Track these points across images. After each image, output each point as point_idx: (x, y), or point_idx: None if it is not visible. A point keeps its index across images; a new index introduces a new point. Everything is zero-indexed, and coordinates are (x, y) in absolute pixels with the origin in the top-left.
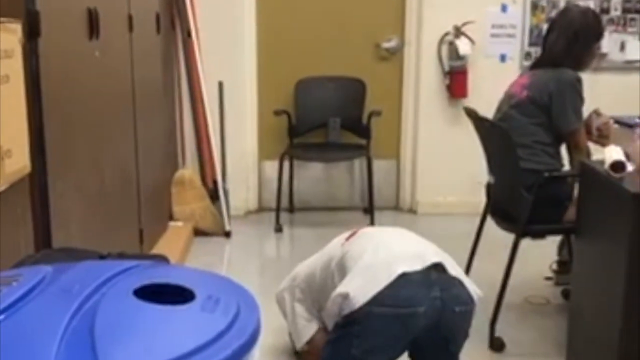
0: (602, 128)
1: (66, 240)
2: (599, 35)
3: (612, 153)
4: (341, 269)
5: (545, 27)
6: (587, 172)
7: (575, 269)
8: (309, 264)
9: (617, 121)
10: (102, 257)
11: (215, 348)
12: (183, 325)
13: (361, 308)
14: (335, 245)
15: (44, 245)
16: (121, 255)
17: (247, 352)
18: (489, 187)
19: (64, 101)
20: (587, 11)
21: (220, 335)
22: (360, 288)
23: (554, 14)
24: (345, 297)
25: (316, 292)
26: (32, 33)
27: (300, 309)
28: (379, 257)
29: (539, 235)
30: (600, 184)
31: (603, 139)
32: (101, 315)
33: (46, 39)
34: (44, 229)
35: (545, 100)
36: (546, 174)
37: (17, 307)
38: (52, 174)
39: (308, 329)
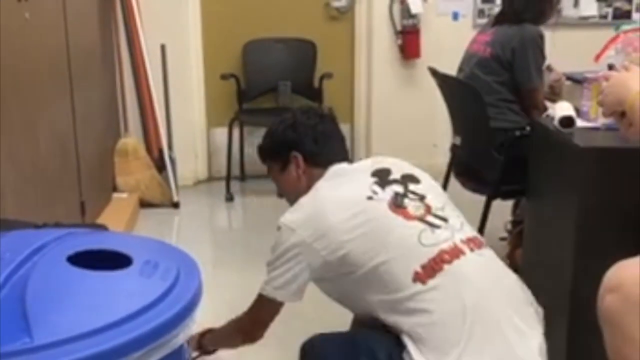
0: (554, 85)
1: (4, 212)
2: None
3: (562, 109)
4: (416, 327)
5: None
6: (537, 128)
7: (527, 226)
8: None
9: (569, 77)
10: (37, 227)
11: (154, 312)
12: (120, 290)
13: None
14: (396, 258)
15: None
16: (57, 225)
17: (187, 316)
18: (454, 148)
19: None
20: None
21: (159, 300)
22: None
23: None
24: None
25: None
26: None
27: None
28: None
29: (509, 196)
30: (550, 139)
31: (554, 96)
32: (33, 283)
33: None
34: None
35: (508, 56)
36: (517, 133)
37: None
38: None
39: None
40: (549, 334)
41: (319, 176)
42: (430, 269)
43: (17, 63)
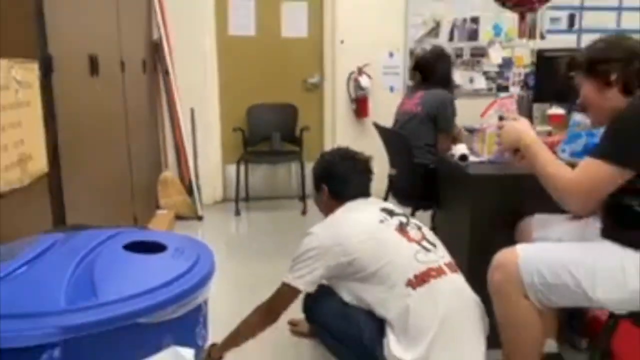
0: (456, 134)
1: (78, 221)
2: (449, 63)
3: (460, 149)
4: (398, 323)
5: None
6: (443, 162)
7: (439, 225)
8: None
9: (466, 129)
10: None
11: (181, 282)
12: (157, 267)
13: None
14: (394, 264)
15: (59, 224)
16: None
17: (204, 284)
18: (391, 177)
19: (73, 121)
20: (437, 50)
21: (184, 273)
22: None
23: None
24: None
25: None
26: (47, 71)
27: (320, 271)
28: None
29: (428, 207)
30: (452, 169)
31: (455, 141)
32: (99, 263)
33: (58, 75)
34: (60, 214)
35: (434, 112)
36: (432, 166)
37: (36, 261)
38: (65, 174)
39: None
40: None
41: (337, 206)
42: (420, 280)
43: (91, 120)
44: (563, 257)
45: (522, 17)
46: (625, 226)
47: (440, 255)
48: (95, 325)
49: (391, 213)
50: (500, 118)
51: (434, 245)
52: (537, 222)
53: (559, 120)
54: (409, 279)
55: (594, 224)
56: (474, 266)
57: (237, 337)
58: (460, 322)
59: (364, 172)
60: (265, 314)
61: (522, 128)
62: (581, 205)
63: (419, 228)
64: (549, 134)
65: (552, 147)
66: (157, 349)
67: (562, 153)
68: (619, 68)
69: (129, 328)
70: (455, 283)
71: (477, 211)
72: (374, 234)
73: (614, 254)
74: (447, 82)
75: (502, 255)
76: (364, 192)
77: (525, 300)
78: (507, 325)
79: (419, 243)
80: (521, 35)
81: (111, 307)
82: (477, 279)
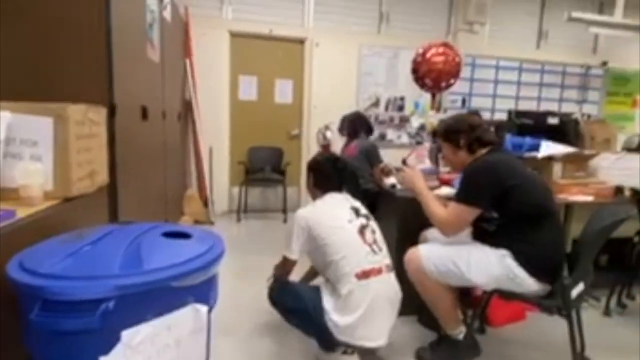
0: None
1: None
2: (368, 124)
3: (391, 180)
4: (343, 299)
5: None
6: (380, 188)
7: None
8: (325, 235)
9: (395, 167)
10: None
11: (202, 258)
12: (186, 248)
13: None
14: (349, 259)
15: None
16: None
17: (218, 260)
18: None
19: (127, 149)
20: (356, 113)
21: (204, 253)
22: (343, 333)
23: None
24: (335, 325)
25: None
26: (112, 113)
27: (299, 237)
28: (362, 326)
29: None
30: (386, 193)
31: (387, 174)
32: (144, 244)
33: (119, 117)
34: (114, 213)
35: (365, 154)
36: (372, 191)
37: (98, 242)
38: (120, 185)
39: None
40: None
41: (319, 194)
42: (364, 275)
43: (140, 149)
44: (449, 253)
45: (433, 96)
46: (484, 238)
47: (383, 257)
48: (140, 285)
49: (357, 212)
50: (403, 162)
51: (380, 249)
52: (432, 232)
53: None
54: (357, 273)
55: (467, 232)
56: (399, 257)
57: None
58: (381, 306)
59: (339, 173)
60: (283, 273)
61: (415, 179)
62: (452, 233)
63: (373, 232)
64: (448, 172)
65: (450, 181)
66: (183, 305)
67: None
68: (464, 136)
69: (163, 289)
70: (386, 281)
71: (400, 220)
72: (341, 229)
73: (481, 249)
74: (367, 132)
75: (411, 253)
76: (337, 187)
77: (431, 281)
78: (427, 298)
79: (370, 246)
80: (433, 107)
81: (152, 274)
82: (401, 270)
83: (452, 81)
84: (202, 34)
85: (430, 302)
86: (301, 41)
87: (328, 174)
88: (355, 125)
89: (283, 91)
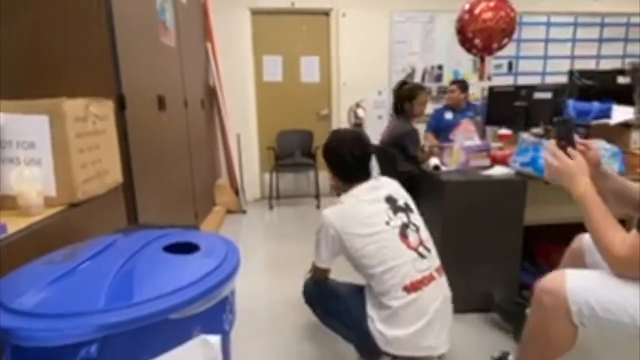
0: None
1: (148, 219)
2: (410, 98)
3: (433, 161)
4: (392, 313)
5: None
6: (421, 171)
7: None
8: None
9: (437, 146)
10: (160, 227)
11: (209, 278)
12: (190, 266)
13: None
14: (395, 271)
15: (133, 223)
16: (172, 226)
17: (229, 279)
18: None
19: (143, 143)
20: (397, 86)
21: (212, 270)
22: (391, 345)
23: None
24: (381, 335)
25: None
26: (121, 106)
27: (326, 243)
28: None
29: None
30: (428, 176)
31: (430, 155)
32: (140, 264)
33: (130, 109)
34: (134, 214)
35: (394, 141)
36: (412, 173)
37: (88, 262)
38: (137, 183)
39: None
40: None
41: (344, 186)
42: (415, 287)
43: (159, 143)
44: (617, 294)
45: (482, 60)
46: None
47: (433, 259)
48: (129, 323)
49: (395, 204)
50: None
51: (428, 250)
52: (589, 243)
53: (508, 138)
54: (406, 285)
55: None
56: (445, 245)
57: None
58: (436, 316)
59: (363, 155)
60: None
61: (578, 173)
62: (633, 276)
63: (417, 229)
64: (500, 149)
65: (504, 159)
66: (187, 338)
67: (513, 163)
68: None
69: (160, 324)
70: (440, 287)
71: (447, 207)
72: (380, 235)
73: None
74: (402, 112)
75: (551, 280)
76: (363, 175)
77: (567, 322)
78: (539, 334)
79: (416, 250)
80: (482, 74)
81: (144, 306)
82: (446, 262)
83: (505, 41)
84: (221, 14)
85: (541, 338)
86: (326, 13)
87: (348, 160)
88: (395, 101)
89: (309, 69)
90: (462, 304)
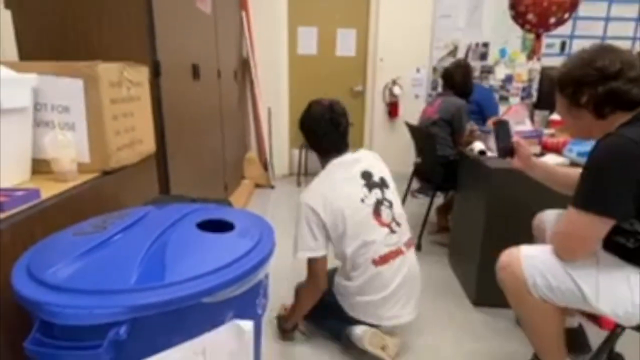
0: (473, 133)
1: (180, 190)
2: (466, 73)
3: (478, 146)
4: (359, 285)
5: (439, 81)
6: (464, 155)
7: (455, 207)
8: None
9: (480, 130)
10: (193, 200)
11: (245, 260)
12: (225, 246)
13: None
14: (367, 247)
15: (164, 193)
16: (204, 200)
17: (265, 262)
18: (416, 164)
19: (177, 113)
20: (458, 62)
21: (248, 252)
22: (358, 311)
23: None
24: (348, 303)
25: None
26: (156, 73)
27: (315, 227)
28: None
29: (445, 189)
30: (472, 162)
31: (472, 138)
32: (173, 241)
33: (165, 77)
34: (166, 184)
35: (449, 118)
36: (451, 157)
37: (120, 234)
38: (170, 153)
39: (311, 251)
40: (467, 266)
41: (322, 159)
42: (383, 260)
43: (192, 113)
44: (570, 265)
45: (537, 37)
46: (619, 255)
47: (402, 234)
48: (161, 305)
49: (370, 181)
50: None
51: (399, 224)
52: (550, 218)
53: (560, 124)
54: (374, 259)
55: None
56: (486, 239)
57: (299, 313)
58: (400, 290)
59: (337, 125)
60: (312, 290)
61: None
62: (567, 258)
63: (390, 206)
64: (552, 135)
65: (558, 147)
66: (220, 323)
67: (568, 153)
68: (586, 91)
69: (193, 307)
70: (407, 259)
71: (491, 196)
72: (354, 214)
73: (617, 267)
74: (462, 90)
75: (507, 255)
76: (338, 146)
77: (533, 298)
78: (524, 318)
79: (388, 225)
80: (536, 52)
81: (177, 288)
82: (490, 259)
83: (566, 16)
84: None
85: (528, 324)
86: None
87: (322, 132)
88: (453, 77)
89: (345, 42)
90: (501, 297)
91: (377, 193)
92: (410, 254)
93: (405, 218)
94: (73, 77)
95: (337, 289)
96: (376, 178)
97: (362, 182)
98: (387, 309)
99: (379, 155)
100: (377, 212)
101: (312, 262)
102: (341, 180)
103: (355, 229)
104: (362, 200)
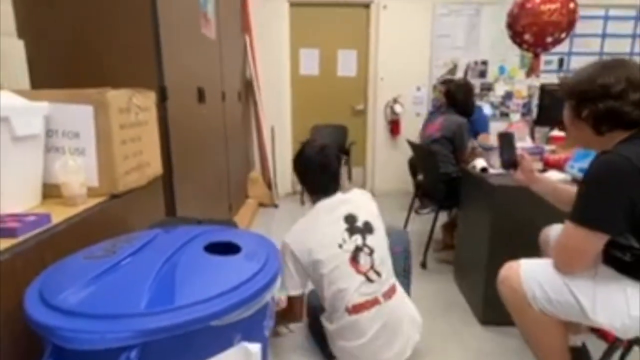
0: (475, 150)
1: (186, 211)
2: (468, 93)
3: (480, 163)
4: (337, 328)
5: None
6: (466, 172)
7: (459, 224)
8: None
9: (481, 146)
10: (199, 222)
11: (251, 283)
12: (232, 269)
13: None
14: (343, 294)
15: (170, 214)
16: (210, 221)
17: (271, 285)
18: (418, 182)
19: (183, 135)
20: (461, 81)
21: (254, 275)
22: (343, 355)
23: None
24: (334, 346)
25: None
26: (162, 97)
27: (293, 267)
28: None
29: (448, 208)
30: (474, 179)
31: (474, 156)
32: (182, 263)
33: (171, 101)
34: (172, 205)
35: (451, 136)
36: (453, 175)
37: (130, 258)
38: (176, 175)
39: (290, 289)
40: (473, 284)
41: (312, 198)
42: (356, 310)
43: (197, 135)
44: (568, 278)
45: (536, 56)
46: (617, 268)
47: (382, 284)
48: (171, 329)
49: (352, 225)
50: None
51: (379, 274)
52: (555, 232)
53: (561, 140)
54: (348, 307)
55: None
56: (491, 257)
57: (286, 322)
58: (385, 336)
59: (326, 167)
60: (290, 318)
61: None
62: (565, 270)
63: (371, 252)
64: (553, 152)
65: (560, 164)
66: (229, 346)
67: (570, 169)
68: (588, 105)
69: (202, 330)
70: (386, 308)
71: (497, 216)
72: (332, 259)
73: (614, 280)
74: (464, 108)
75: (507, 269)
76: (327, 188)
77: (533, 311)
78: (524, 330)
79: (365, 274)
80: (535, 70)
81: (186, 312)
82: (492, 267)
83: (563, 35)
84: (260, 6)
85: (531, 338)
86: (366, 5)
87: (313, 173)
88: (455, 96)
89: (346, 63)
90: (509, 315)
91: (357, 239)
92: (391, 303)
93: (390, 265)
94: (83, 103)
95: (323, 328)
96: (360, 223)
97: (345, 225)
98: (366, 356)
99: (371, 195)
100: (354, 259)
101: (290, 298)
102: (323, 225)
103: (331, 275)
104: (340, 246)
